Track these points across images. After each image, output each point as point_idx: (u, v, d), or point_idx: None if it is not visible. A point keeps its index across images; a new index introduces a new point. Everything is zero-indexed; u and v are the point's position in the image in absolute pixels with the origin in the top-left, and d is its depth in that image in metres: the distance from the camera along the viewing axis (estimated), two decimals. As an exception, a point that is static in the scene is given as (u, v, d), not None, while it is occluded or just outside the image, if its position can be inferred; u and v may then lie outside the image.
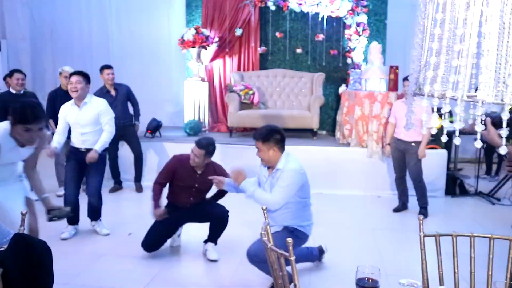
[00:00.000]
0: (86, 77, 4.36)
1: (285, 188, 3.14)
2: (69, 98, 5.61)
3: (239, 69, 7.78)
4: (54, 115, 5.60)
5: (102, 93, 5.71)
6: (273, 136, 3.19)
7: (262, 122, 6.64)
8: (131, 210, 5.39)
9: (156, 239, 3.92)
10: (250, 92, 7.01)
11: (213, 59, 7.76)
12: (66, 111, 4.35)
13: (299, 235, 3.27)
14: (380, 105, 5.98)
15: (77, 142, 4.33)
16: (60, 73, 5.74)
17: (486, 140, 4.03)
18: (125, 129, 5.80)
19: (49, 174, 5.81)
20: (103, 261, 3.85)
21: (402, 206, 5.31)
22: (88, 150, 4.27)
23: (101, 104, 4.37)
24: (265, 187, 3.29)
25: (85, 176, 4.46)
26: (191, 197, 3.89)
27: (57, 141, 4.34)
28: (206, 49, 7.34)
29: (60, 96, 5.64)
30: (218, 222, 3.91)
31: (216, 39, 7.62)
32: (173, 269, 3.75)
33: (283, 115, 6.75)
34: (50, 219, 3.00)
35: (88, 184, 4.45)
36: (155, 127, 6.64)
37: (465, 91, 0.75)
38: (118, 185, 6.12)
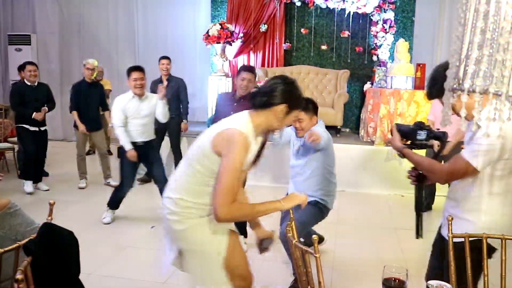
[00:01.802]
0: (144, 71, 4.49)
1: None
2: (92, 89, 5.74)
3: (263, 65, 7.76)
4: (78, 108, 5.72)
5: (155, 82, 5.76)
6: (312, 104, 3.35)
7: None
8: (156, 203, 5.42)
9: None
10: (274, 88, 6.99)
11: (237, 54, 7.77)
12: (124, 102, 4.42)
13: (322, 208, 3.33)
14: (406, 103, 5.89)
15: (136, 134, 4.46)
16: (84, 65, 5.80)
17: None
18: (170, 121, 5.80)
19: (72, 167, 5.93)
20: (126, 252, 3.91)
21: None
22: (145, 143, 4.47)
23: (156, 96, 4.55)
24: (298, 157, 3.37)
25: (146, 167, 4.68)
26: None
27: (125, 137, 4.44)
28: (231, 44, 7.35)
29: (84, 88, 5.74)
30: None
31: (241, 34, 7.62)
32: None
33: (306, 112, 6.69)
34: (263, 251, 2.34)
35: (154, 174, 4.65)
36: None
37: (511, 86, 0.72)
38: (147, 177, 6.13)
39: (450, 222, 1.92)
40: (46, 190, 5.62)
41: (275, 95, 2.03)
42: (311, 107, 3.31)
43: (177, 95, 5.90)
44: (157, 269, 3.59)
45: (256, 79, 7.17)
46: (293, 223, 1.98)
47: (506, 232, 1.94)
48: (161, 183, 4.57)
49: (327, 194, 3.34)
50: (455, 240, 1.92)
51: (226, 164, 1.93)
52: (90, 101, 5.74)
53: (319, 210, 3.32)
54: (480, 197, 1.97)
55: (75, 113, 5.75)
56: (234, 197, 1.93)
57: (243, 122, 2.04)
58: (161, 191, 4.63)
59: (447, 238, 1.94)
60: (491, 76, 0.74)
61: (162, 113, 4.55)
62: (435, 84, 2.03)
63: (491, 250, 1.98)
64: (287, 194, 2.85)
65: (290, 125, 2.99)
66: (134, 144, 4.44)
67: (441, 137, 2.25)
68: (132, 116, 4.42)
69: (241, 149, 1.94)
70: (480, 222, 1.96)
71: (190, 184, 2.06)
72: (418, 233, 2.22)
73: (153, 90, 5.29)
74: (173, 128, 5.92)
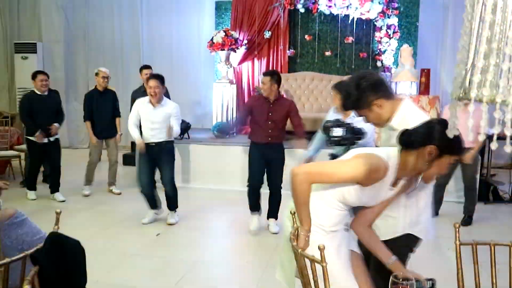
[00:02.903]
0: (162, 80, 4.65)
1: None
2: (105, 97, 5.77)
3: (267, 71, 7.77)
4: (92, 117, 5.72)
5: (139, 92, 5.76)
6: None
7: (290, 124, 6.61)
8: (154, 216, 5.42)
9: (256, 175, 4.52)
10: (278, 94, 7.00)
11: (241, 61, 7.79)
12: (140, 105, 4.66)
13: None
14: (411, 108, 5.88)
15: (147, 136, 4.64)
16: (97, 74, 5.81)
17: None
18: None
19: (79, 173, 5.94)
20: (132, 260, 3.91)
21: (434, 214, 5.16)
22: (157, 143, 4.61)
23: (174, 107, 4.69)
24: None
25: (158, 169, 4.80)
26: (269, 129, 4.37)
27: (135, 131, 4.67)
28: (235, 51, 7.37)
29: (96, 97, 5.75)
30: (271, 195, 4.56)
31: (245, 41, 7.64)
32: (201, 270, 3.77)
33: (311, 118, 6.69)
34: None
35: (162, 175, 4.81)
36: (183, 129, 6.68)
37: (518, 96, 0.72)
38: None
39: (457, 229, 1.91)
40: (62, 201, 5.55)
41: (426, 135, 1.84)
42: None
43: None
44: (164, 277, 3.59)
45: (261, 85, 7.21)
46: (296, 231, 1.97)
47: (427, 224, 2.10)
48: (167, 185, 4.79)
49: None
50: (386, 238, 2.07)
51: (344, 161, 1.90)
52: (104, 109, 5.76)
53: None
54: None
55: (88, 123, 5.75)
56: (312, 181, 1.86)
57: (389, 154, 1.92)
58: (167, 193, 4.81)
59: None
60: (498, 86, 0.74)
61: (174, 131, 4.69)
62: (349, 98, 2.11)
63: (417, 242, 2.13)
64: None
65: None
66: (146, 144, 4.63)
67: (360, 133, 2.53)
68: (144, 119, 4.63)
69: (367, 165, 1.82)
70: (405, 217, 2.03)
71: (315, 203, 1.97)
72: None
73: (134, 99, 5.16)
74: None
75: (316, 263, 1.66)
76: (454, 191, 5.60)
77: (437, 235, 4.65)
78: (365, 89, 2.06)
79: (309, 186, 1.87)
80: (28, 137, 5.46)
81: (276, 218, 4.57)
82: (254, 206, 4.63)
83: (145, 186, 4.75)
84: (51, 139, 5.49)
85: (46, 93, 5.47)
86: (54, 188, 5.63)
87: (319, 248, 1.65)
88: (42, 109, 5.39)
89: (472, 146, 4.73)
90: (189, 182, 6.41)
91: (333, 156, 2.33)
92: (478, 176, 5.07)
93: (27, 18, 9.33)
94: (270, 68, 7.81)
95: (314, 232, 1.96)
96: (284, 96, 7.03)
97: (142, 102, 4.65)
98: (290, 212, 2.16)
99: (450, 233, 2.18)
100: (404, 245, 2.09)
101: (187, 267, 3.75)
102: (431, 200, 2.18)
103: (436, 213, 5.17)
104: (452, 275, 1.98)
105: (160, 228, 4.68)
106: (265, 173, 4.54)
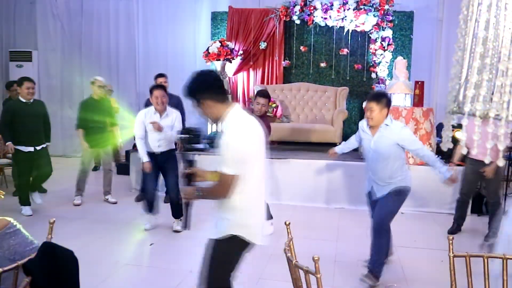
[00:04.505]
0: (166, 90, 4.77)
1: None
2: (100, 106, 5.74)
3: (262, 82, 7.81)
4: (87, 125, 5.69)
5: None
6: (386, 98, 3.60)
7: (285, 135, 6.64)
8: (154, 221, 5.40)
9: None
10: (273, 105, 7.02)
11: (237, 72, 7.82)
12: (146, 116, 4.70)
13: (403, 191, 3.60)
14: (405, 120, 5.90)
15: (153, 146, 4.71)
16: (93, 83, 5.79)
17: None
18: None
19: (71, 183, 5.91)
20: (125, 270, 3.88)
21: (457, 229, 5.09)
22: (162, 153, 4.72)
23: (178, 115, 4.84)
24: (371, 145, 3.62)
25: (163, 176, 4.90)
26: None
27: (143, 149, 4.70)
28: (230, 62, 7.40)
29: (92, 105, 5.72)
30: None
31: (241, 52, 7.68)
32: (195, 279, 3.73)
33: (306, 129, 6.72)
34: None
35: (166, 182, 4.92)
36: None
37: (511, 111, 0.73)
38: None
39: (451, 242, 1.92)
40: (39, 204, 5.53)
41: None
42: (384, 100, 3.52)
43: None
44: (157, 287, 3.56)
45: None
46: (291, 242, 1.97)
47: (260, 225, 2.30)
48: (172, 192, 4.85)
49: (406, 176, 3.63)
50: (218, 237, 2.29)
51: None
52: (100, 118, 5.73)
53: (403, 193, 3.60)
54: (233, 196, 2.22)
55: (81, 131, 5.72)
56: None
57: None
58: (172, 200, 4.87)
59: (211, 237, 2.34)
60: (491, 101, 0.75)
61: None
62: (188, 86, 2.33)
63: (247, 246, 2.30)
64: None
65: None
66: (153, 154, 4.70)
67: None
68: (151, 130, 4.65)
69: None
70: (235, 219, 2.22)
71: None
72: (186, 225, 2.50)
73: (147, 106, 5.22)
74: None
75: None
76: (448, 202, 5.62)
77: (431, 246, 4.65)
78: (200, 85, 2.30)
79: None
80: (16, 146, 5.22)
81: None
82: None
83: (150, 192, 4.85)
84: (38, 147, 5.35)
85: (31, 100, 5.29)
86: (34, 187, 5.59)
87: (313, 259, 1.65)
88: (26, 116, 5.22)
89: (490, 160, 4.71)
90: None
91: (188, 161, 2.51)
92: (501, 191, 4.90)
93: (22, 26, 9.32)
94: (265, 79, 7.85)
95: None
96: (280, 106, 7.10)
97: (147, 113, 4.70)
98: (285, 223, 2.17)
99: (443, 245, 2.18)
100: (234, 245, 2.28)
101: (181, 277, 3.72)
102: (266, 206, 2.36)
103: (458, 229, 5.11)
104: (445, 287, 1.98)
105: (154, 237, 4.66)
106: None
